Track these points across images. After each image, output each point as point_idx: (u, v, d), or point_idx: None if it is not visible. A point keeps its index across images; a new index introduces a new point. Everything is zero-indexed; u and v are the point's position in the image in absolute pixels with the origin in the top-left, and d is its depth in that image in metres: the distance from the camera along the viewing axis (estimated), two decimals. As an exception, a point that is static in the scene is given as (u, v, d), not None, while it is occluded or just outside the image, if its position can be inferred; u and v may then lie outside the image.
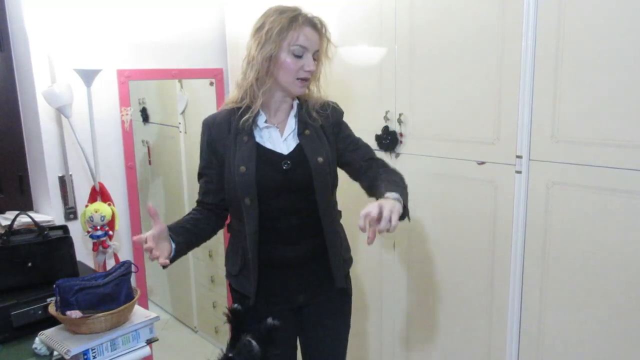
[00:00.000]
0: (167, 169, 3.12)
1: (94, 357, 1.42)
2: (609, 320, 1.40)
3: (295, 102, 1.50)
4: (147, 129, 3.12)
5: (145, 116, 3.08)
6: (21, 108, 2.08)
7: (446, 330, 1.83)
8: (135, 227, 2.28)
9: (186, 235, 1.42)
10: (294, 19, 1.38)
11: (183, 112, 2.87)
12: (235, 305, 1.28)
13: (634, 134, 1.29)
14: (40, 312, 1.57)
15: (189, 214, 1.51)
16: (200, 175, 1.53)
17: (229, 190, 1.47)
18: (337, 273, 1.51)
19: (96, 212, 2.00)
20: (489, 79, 1.55)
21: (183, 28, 2.36)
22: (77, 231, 2.04)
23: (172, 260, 1.37)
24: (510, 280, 1.60)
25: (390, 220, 1.22)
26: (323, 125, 1.50)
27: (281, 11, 1.39)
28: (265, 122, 1.46)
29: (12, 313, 1.53)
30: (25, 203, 2.13)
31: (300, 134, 1.46)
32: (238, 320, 1.21)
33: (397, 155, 1.86)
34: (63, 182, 2.07)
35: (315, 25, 1.41)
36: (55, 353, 1.43)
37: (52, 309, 1.46)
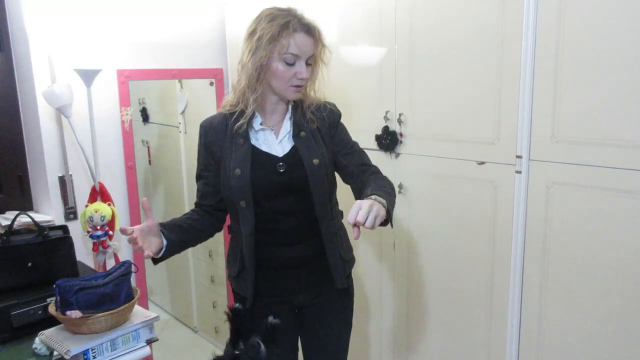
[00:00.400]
0: (167, 169, 3.12)
1: (94, 357, 1.42)
2: (609, 320, 1.40)
3: (290, 105, 1.49)
4: (147, 129, 3.12)
5: (145, 116, 3.08)
6: (21, 108, 2.08)
7: (446, 330, 1.83)
8: (135, 227, 2.27)
9: (179, 234, 1.41)
10: (284, 25, 1.34)
11: (183, 112, 2.87)
12: (237, 304, 1.28)
13: (634, 134, 1.29)
14: (40, 312, 1.57)
15: (185, 214, 1.51)
16: (198, 178, 1.53)
17: (225, 193, 1.47)
18: (336, 274, 1.51)
19: (96, 212, 2.00)
20: (489, 79, 1.55)
21: (183, 28, 2.36)
22: (77, 231, 2.04)
23: (163, 257, 1.38)
24: (510, 280, 1.60)
25: (367, 217, 1.20)
26: (319, 127, 1.49)
27: (273, 17, 1.36)
28: (261, 124, 1.46)
29: (12, 313, 1.53)
30: (25, 203, 2.13)
31: (295, 135, 1.46)
32: (238, 320, 1.21)
33: (397, 155, 1.86)
34: (63, 182, 2.07)
35: (309, 30, 1.38)
36: (55, 353, 1.43)
37: (52, 309, 1.46)
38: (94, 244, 2.05)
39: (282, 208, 1.44)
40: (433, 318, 1.86)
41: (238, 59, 1.44)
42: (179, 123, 2.90)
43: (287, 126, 1.47)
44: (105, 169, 2.17)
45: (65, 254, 1.75)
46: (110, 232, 2.06)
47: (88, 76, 1.97)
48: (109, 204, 2.07)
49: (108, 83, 2.13)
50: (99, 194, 2.08)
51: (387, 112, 1.86)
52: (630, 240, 1.33)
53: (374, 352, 2.11)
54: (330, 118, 1.52)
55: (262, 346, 1.12)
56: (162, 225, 1.38)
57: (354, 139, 1.57)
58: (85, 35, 2.02)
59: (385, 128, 1.87)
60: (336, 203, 1.58)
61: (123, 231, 1.28)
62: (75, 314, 1.39)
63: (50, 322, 1.51)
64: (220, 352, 1.18)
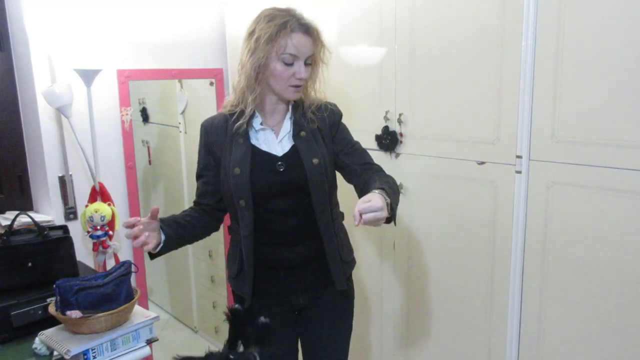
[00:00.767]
0: (167, 169, 3.12)
1: (94, 357, 1.42)
2: (609, 320, 1.40)
3: (291, 105, 1.49)
4: (147, 129, 3.12)
5: (145, 116, 3.08)
6: (21, 108, 2.08)
7: (446, 330, 1.83)
8: (135, 227, 2.27)
9: (177, 230, 1.42)
10: (282, 26, 1.34)
11: (183, 112, 2.87)
12: (236, 305, 1.28)
13: (634, 134, 1.29)
14: (40, 312, 1.57)
15: (184, 211, 1.52)
16: (198, 177, 1.53)
17: (224, 192, 1.47)
18: (336, 275, 1.50)
19: (96, 212, 2.00)
20: (489, 79, 1.55)
21: (183, 28, 2.36)
22: (77, 231, 2.04)
23: (160, 252, 1.38)
24: (510, 280, 1.60)
25: (370, 214, 1.21)
26: (320, 127, 1.49)
27: (272, 17, 1.36)
28: (261, 124, 1.46)
29: (12, 313, 1.53)
30: (25, 203, 2.13)
31: (295, 135, 1.46)
32: (237, 321, 1.21)
33: (397, 155, 1.86)
34: (63, 182, 2.07)
35: (307, 30, 1.38)
36: (55, 353, 1.43)
37: (52, 309, 1.46)
38: (94, 244, 2.05)
39: (282, 208, 1.44)
40: (433, 318, 1.86)
41: (238, 59, 1.44)
42: (179, 123, 2.90)
43: (287, 126, 1.47)
44: (105, 169, 2.17)
45: (65, 254, 1.75)
46: (110, 232, 2.06)
47: (88, 76, 1.97)
48: (109, 204, 2.07)
49: (108, 83, 2.13)
50: (99, 194, 2.08)
51: (387, 112, 1.86)
52: (630, 240, 1.33)
53: (374, 353, 2.11)
54: (331, 118, 1.52)
55: (257, 358, 1.12)
56: (161, 220, 1.38)
57: (354, 138, 1.57)
58: (85, 35, 2.02)
59: (385, 128, 1.87)
60: (337, 204, 1.58)
61: (126, 223, 1.28)
62: (75, 314, 1.39)
63: (50, 322, 1.51)
64: (215, 349, 1.18)
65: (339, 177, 1.55)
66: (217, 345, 2.90)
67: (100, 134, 2.12)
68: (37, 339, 1.47)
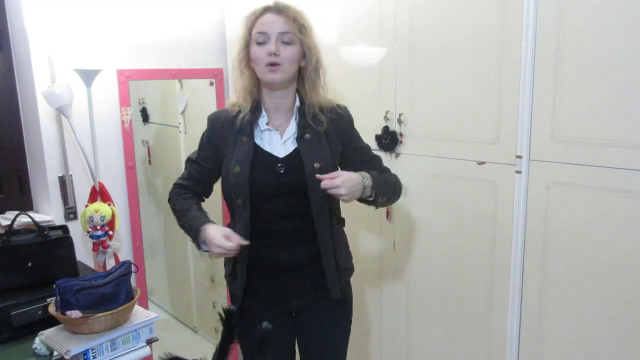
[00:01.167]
0: (167, 169, 3.12)
1: (94, 357, 1.42)
2: (609, 320, 1.40)
3: (296, 105, 1.48)
4: (147, 129, 3.12)
5: (145, 116, 3.08)
6: (21, 108, 2.08)
7: (446, 330, 1.83)
8: (135, 227, 2.27)
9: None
10: (253, 13, 1.41)
11: (183, 112, 2.87)
12: (231, 306, 1.28)
13: (634, 134, 1.29)
14: (40, 312, 1.57)
15: (187, 201, 1.54)
16: (194, 162, 1.54)
17: (224, 189, 1.48)
18: (331, 281, 1.49)
19: (96, 212, 2.00)
20: (489, 79, 1.55)
21: (183, 28, 2.36)
22: (77, 231, 2.04)
23: None
24: (510, 280, 1.60)
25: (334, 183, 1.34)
26: (327, 130, 1.48)
27: (252, 12, 1.43)
28: (267, 124, 1.46)
29: (12, 313, 1.53)
30: (25, 203, 2.13)
31: (299, 137, 1.45)
32: (231, 323, 1.20)
33: (397, 155, 1.86)
34: (63, 182, 2.07)
35: (278, 10, 1.40)
36: (55, 353, 1.43)
37: (52, 309, 1.45)
38: (94, 244, 2.05)
39: (280, 210, 1.44)
40: (433, 317, 1.86)
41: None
42: (179, 123, 2.90)
43: (292, 127, 1.47)
44: (105, 169, 2.17)
45: (65, 254, 1.75)
46: (110, 232, 2.06)
47: (88, 76, 1.97)
48: (109, 204, 2.07)
49: (108, 83, 2.13)
50: (99, 194, 2.08)
51: (387, 112, 1.86)
52: (630, 240, 1.33)
53: (375, 353, 2.11)
54: (342, 124, 1.52)
55: None
56: (206, 217, 1.48)
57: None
58: (85, 35, 2.02)
59: (385, 128, 1.87)
60: (338, 209, 1.57)
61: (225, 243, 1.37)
62: (75, 314, 1.39)
63: (50, 322, 1.50)
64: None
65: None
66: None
67: (100, 134, 2.12)
68: (37, 339, 1.47)
